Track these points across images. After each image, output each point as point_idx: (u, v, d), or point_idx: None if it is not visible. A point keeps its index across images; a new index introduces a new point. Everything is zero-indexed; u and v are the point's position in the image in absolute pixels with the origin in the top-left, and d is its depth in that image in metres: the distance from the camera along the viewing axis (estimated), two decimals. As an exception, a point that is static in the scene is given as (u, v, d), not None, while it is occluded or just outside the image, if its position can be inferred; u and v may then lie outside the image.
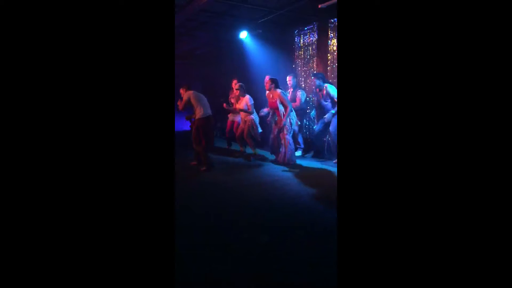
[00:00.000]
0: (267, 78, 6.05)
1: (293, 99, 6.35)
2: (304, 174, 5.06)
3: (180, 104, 5.41)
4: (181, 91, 5.55)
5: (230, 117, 7.00)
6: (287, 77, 6.57)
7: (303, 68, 7.68)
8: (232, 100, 6.84)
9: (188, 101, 5.28)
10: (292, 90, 6.49)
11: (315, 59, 7.37)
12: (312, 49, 7.57)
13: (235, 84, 6.62)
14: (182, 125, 8.23)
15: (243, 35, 7.86)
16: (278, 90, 5.54)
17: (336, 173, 4.94)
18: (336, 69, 6.62)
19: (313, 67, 7.40)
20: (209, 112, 5.34)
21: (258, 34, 8.06)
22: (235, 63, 9.32)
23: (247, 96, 6.21)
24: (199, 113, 5.22)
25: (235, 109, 6.41)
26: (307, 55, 7.68)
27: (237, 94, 6.35)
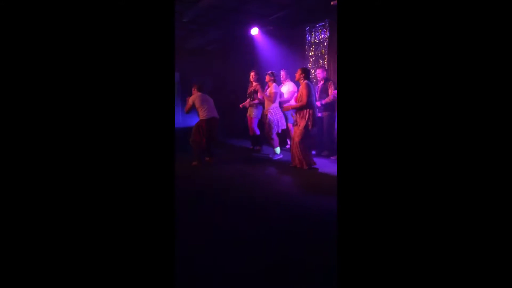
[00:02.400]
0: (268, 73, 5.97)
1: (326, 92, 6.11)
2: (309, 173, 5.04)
3: (186, 107, 5.53)
4: (193, 90, 5.62)
5: (248, 112, 6.75)
6: (317, 70, 6.36)
7: (314, 65, 7.63)
8: (250, 89, 6.59)
9: (193, 104, 5.39)
10: (323, 82, 6.20)
11: (326, 56, 7.32)
12: (323, 46, 7.52)
13: (252, 77, 6.45)
14: (191, 121, 8.25)
15: (254, 31, 7.84)
16: (306, 81, 5.08)
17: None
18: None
19: (324, 64, 7.35)
20: (213, 114, 5.43)
21: (269, 30, 8.03)
22: (246, 59, 9.31)
23: (274, 84, 6.00)
24: (202, 115, 5.35)
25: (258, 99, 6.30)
26: (318, 52, 7.64)
27: (267, 80, 6.12)
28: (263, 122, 6.18)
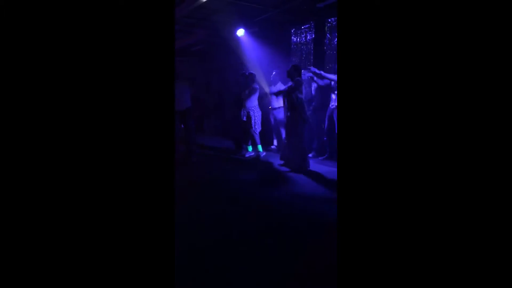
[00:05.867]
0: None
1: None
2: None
3: None
4: None
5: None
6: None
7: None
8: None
9: None
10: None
11: (311, 58, 7.38)
12: (308, 48, 7.59)
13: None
14: None
15: (240, 32, 7.85)
16: (297, 78, 5.18)
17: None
18: (331, 69, 6.65)
19: (310, 66, 7.41)
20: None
21: (255, 32, 8.06)
22: (232, 60, 9.30)
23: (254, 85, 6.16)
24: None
25: None
26: (303, 54, 7.70)
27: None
28: (245, 121, 6.23)
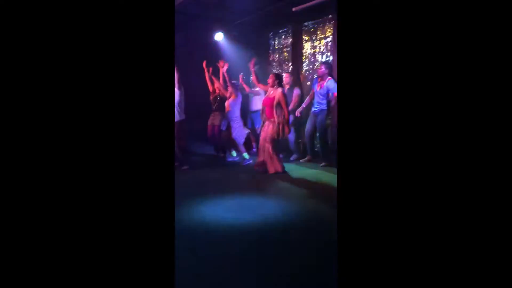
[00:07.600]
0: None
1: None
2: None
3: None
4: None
5: (210, 120, 6.55)
6: (284, 74, 6.34)
7: (278, 70, 7.75)
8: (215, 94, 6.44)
9: None
10: (288, 87, 6.37)
11: (290, 61, 7.46)
12: (286, 51, 7.67)
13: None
14: None
15: (219, 37, 7.83)
16: (282, 89, 5.12)
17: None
18: (308, 73, 6.77)
19: (288, 70, 7.49)
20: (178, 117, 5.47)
21: (234, 36, 8.06)
22: (210, 64, 9.26)
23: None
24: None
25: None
26: (281, 58, 7.77)
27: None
28: (227, 128, 6.16)
